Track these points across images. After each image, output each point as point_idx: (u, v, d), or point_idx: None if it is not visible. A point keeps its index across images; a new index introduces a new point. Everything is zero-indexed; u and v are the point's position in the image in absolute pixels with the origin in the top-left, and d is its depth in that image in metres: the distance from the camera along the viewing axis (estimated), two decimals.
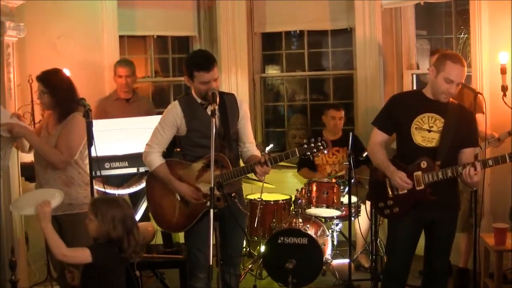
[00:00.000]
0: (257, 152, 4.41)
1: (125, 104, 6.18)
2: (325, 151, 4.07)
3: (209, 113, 4.02)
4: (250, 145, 4.40)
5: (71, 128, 4.48)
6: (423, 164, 4.16)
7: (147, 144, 4.33)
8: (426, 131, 4.20)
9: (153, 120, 4.51)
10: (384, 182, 4.33)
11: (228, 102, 4.27)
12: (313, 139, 4.03)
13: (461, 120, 4.20)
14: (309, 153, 4.05)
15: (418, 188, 4.18)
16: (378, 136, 4.41)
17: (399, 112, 4.31)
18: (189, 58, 4.30)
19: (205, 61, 4.14)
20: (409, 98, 4.43)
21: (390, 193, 4.31)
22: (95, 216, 3.54)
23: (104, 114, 5.92)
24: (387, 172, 4.29)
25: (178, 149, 4.43)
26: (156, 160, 4.28)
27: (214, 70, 4.13)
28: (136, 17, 7.08)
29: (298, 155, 4.05)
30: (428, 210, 4.23)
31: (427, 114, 4.22)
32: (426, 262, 4.43)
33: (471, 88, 5.44)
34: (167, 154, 4.41)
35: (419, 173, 4.17)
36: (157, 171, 4.29)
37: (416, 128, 4.22)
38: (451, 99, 4.25)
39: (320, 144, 4.02)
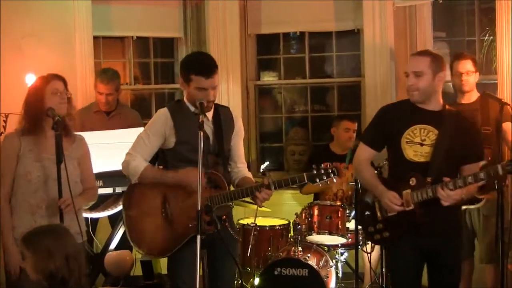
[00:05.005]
0: (249, 174, 4.48)
1: (105, 118, 6.16)
2: (334, 180, 4.17)
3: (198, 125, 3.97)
4: (242, 166, 4.46)
5: (89, 155, 4.56)
6: (412, 181, 4.16)
7: (127, 153, 4.30)
8: (418, 144, 4.21)
9: (134, 134, 4.46)
10: (374, 204, 4.36)
11: (223, 116, 4.32)
12: (322, 166, 4.13)
13: (458, 131, 4.19)
14: (318, 180, 4.11)
15: (407, 209, 4.16)
16: (365, 153, 4.45)
17: (388, 125, 4.34)
18: (188, 59, 4.38)
19: (205, 65, 4.17)
20: (398, 109, 4.42)
21: (379, 215, 4.33)
22: (28, 250, 3.37)
23: (81, 127, 5.81)
24: (375, 192, 4.33)
25: (161, 166, 4.39)
26: (141, 163, 4.23)
27: (215, 78, 4.16)
28: (113, 15, 7.04)
29: (306, 181, 4.12)
30: (425, 236, 4.19)
31: (419, 125, 4.24)
32: None
33: (496, 98, 5.43)
34: None
35: (408, 191, 4.16)
36: (145, 174, 4.22)
37: (407, 142, 4.24)
38: (447, 106, 4.28)
39: (331, 171, 4.11)
